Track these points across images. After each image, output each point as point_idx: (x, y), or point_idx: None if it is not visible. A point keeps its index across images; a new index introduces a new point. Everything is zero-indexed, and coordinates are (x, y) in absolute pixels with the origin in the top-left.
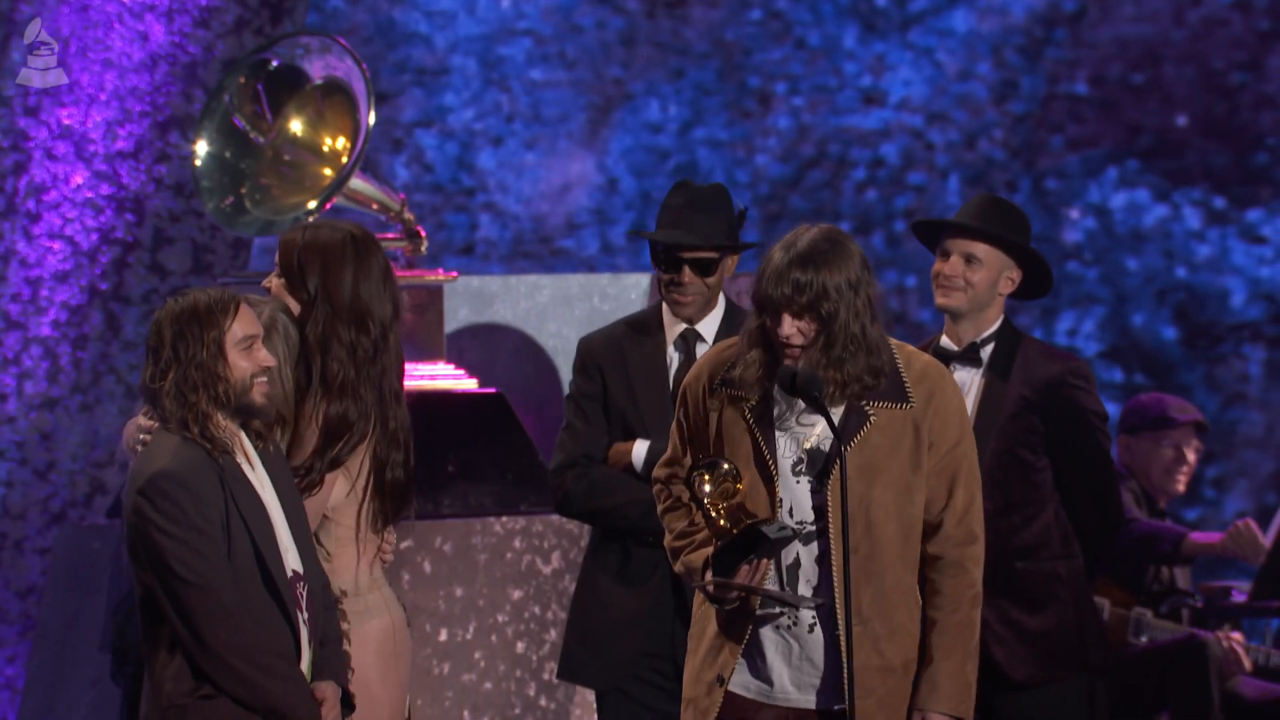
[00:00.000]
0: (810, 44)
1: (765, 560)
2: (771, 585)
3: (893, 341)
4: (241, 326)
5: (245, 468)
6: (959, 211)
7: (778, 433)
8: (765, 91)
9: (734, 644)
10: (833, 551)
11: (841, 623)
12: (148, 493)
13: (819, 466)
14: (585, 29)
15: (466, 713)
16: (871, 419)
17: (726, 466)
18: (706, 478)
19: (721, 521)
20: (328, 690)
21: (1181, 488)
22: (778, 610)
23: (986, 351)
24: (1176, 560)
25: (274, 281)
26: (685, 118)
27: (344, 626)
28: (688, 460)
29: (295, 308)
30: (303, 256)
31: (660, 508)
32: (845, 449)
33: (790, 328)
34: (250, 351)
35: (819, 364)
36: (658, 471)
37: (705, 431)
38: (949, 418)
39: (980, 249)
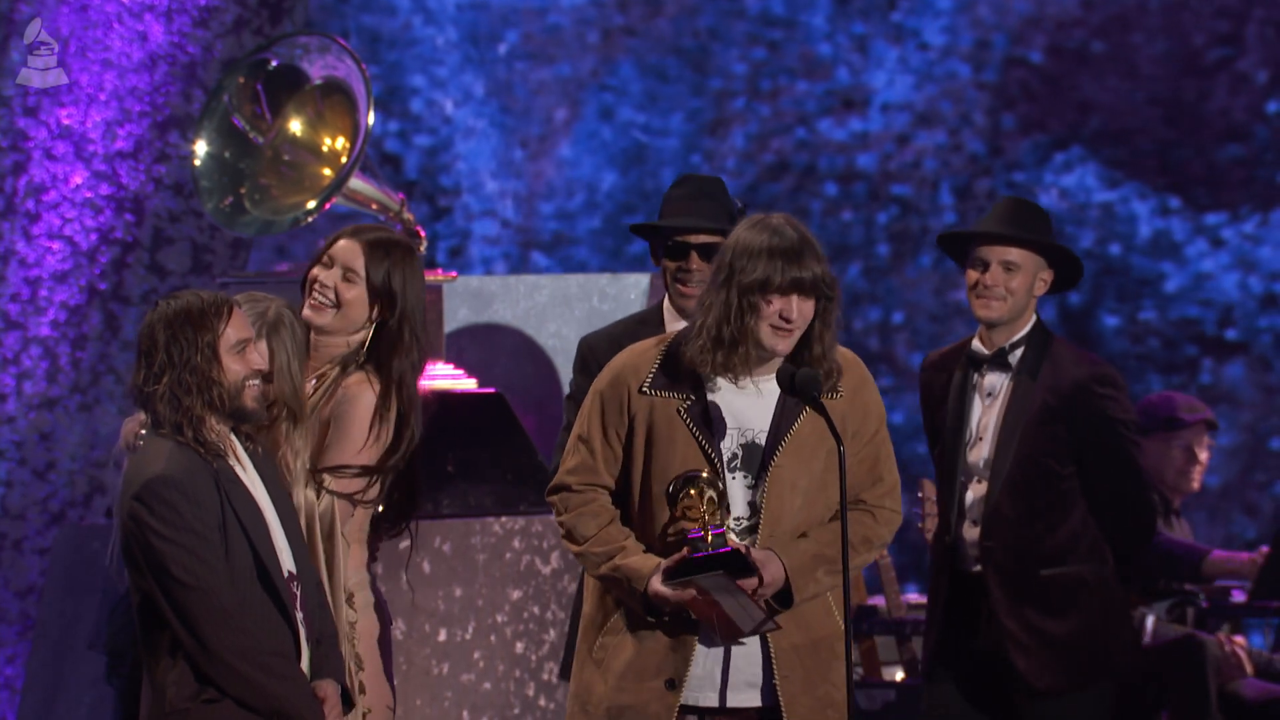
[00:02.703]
0: (778, 16)
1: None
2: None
3: None
4: (235, 330)
5: (238, 470)
6: (984, 219)
7: (716, 433)
8: (741, 85)
9: (684, 650)
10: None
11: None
12: (144, 498)
13: (756, 462)
14: (554, 12)
15: (466, 713)
16: (805, 412)
17: (713, 495)
18: (698, 489)
19: (706, 536)
20: (329, 689)
21: (1195, 486)
22: (744, 640)
23: (1016, 355)
24: (1198, 579)
25: (339, 282)
26: (656, 112)
27: (352, 619)
28: (600, 467)
29: (362, 309)
30: (395, 266)
31: (569, 515)
32: (842, 451)
33: (797, 309)
34: (243, 355)
35: (815, 357)
36: (564, 476)
37: (628, 435)
38: (870, 409)
39: (1016, 254)
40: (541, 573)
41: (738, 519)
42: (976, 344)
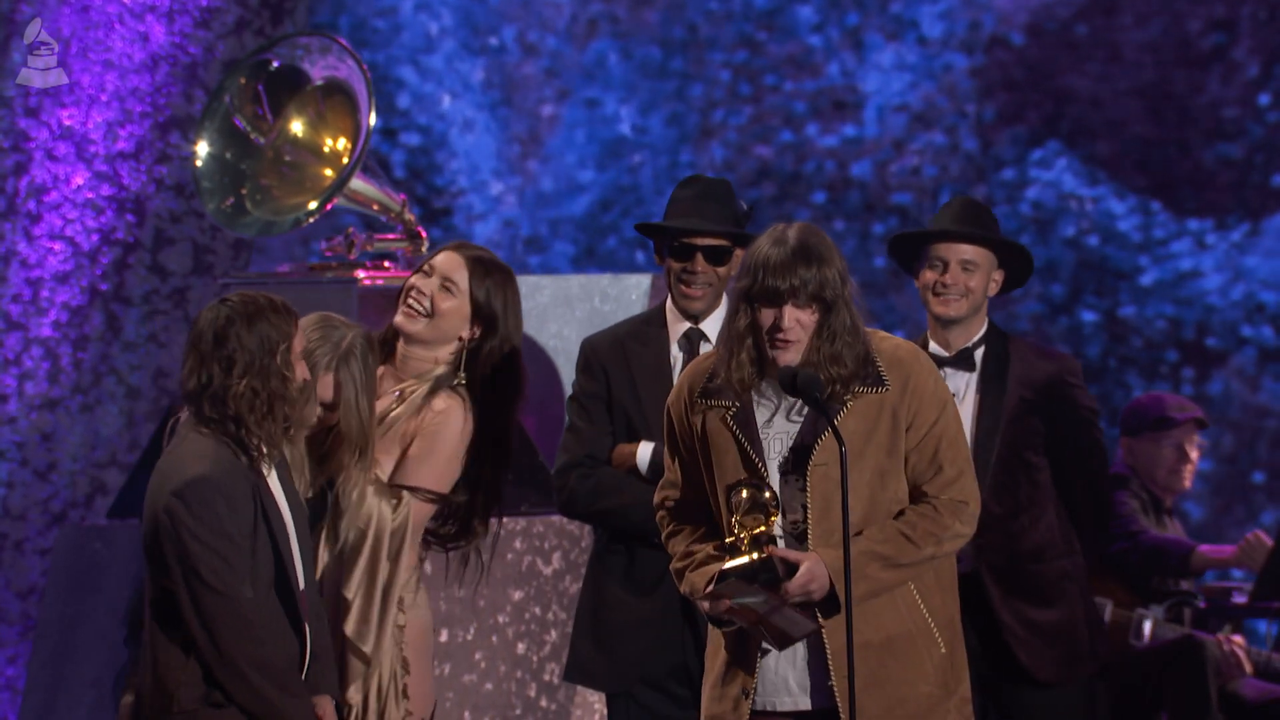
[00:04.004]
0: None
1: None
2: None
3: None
4: (299, 338)
5: (268, 477)
6: (938, 217)
7: (762, 435)
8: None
9: (750, 658)
10: (812, 548)
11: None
12: (184, 495)
13: (802, 465)
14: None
15: (467, 713)
16: (847, 404)
17: (769, 495)
18: (745, 494)
19: (744, 544)
20: (327, 705)
21: (1187, 484)
22: (768, 647)
23: (979, 355)
24: (1186, 574)
25: (436, 292)
26: (639, 107)
27: (401, 623)
28: (681, 480)
29: (455, 323)
30: (497, 288)
31: (664, 533)
32: (843, 451)
33: (791, 319)
34: (303, 362)
35: (823, 359)
36: (658, 495)
37: (693, 446)
38: (925, 398)
39: (973, 253)
40: (543, 573)
41: (794, 522)
42: (934, 347)
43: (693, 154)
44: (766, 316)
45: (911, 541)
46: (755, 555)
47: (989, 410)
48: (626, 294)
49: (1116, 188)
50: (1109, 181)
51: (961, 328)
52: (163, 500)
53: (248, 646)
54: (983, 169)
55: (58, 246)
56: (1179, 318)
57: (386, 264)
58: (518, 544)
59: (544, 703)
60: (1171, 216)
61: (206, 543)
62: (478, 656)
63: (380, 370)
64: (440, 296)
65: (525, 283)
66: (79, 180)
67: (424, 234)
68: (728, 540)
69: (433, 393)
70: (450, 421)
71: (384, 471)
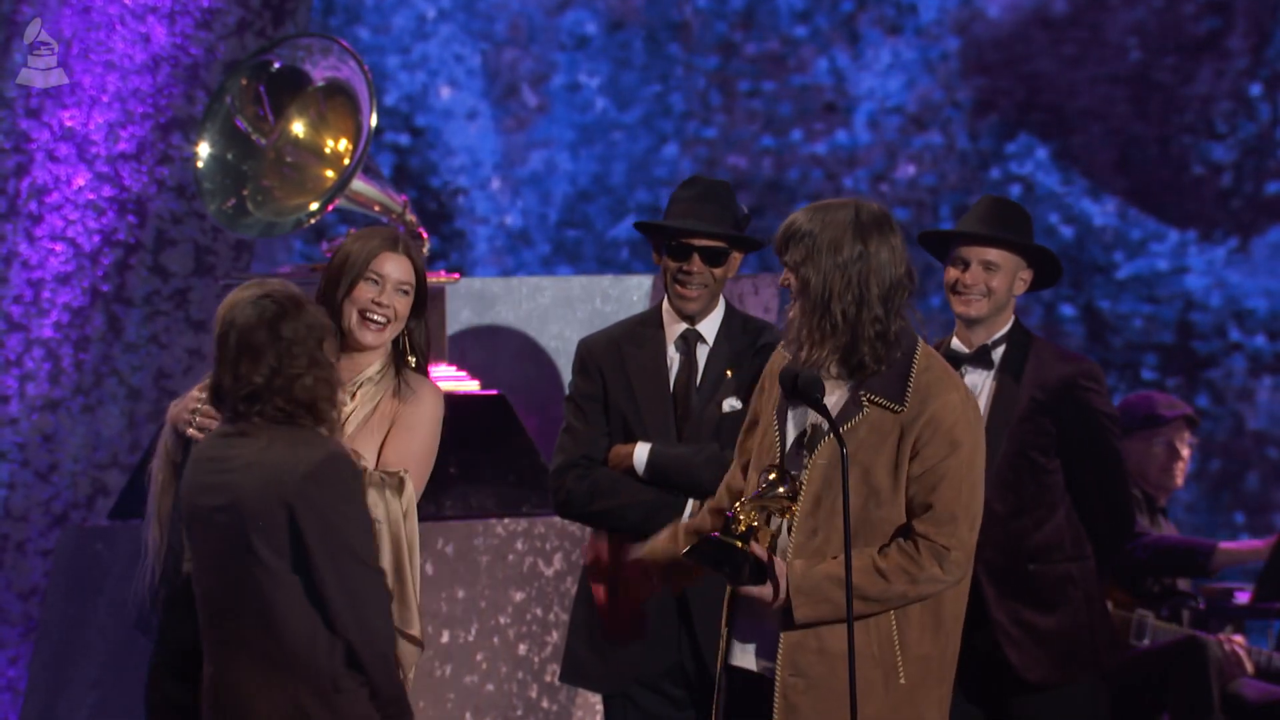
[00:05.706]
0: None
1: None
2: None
3: (924, 347)
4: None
5: None
6: (965, 217)
7: (793, 411)
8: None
9: (732, 607)
10: (791, 531)
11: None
12: (317, 477)
13: (811, 447)
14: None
15: (468, 714)
16: (864, 412)
17: (783, 490)
18: (772, 478)
19: (739, 527)
20: None
21: (1179, 482)
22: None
23: (998, 354)
24: (1207, 573)
25: (396, 300)
26: (622, 103)
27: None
28: (745, 433)
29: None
30: (424, 261)
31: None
32: (845, 452)
33: (785, 276)
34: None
35: (805, 334)
36: (742, 434)
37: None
38: (939, 432)
39: (996, 254)
40: (544, 574)
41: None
42: (956, 343)
43: (676, 152)
44: None
45: (882, 575)
46: (739, 544)
47: (1001, 410)
48: (628, 295)
49: (1091, 186)
50: (1083, 179)
51: (983, 326)
52: (292, 487)
53: (386, 625)
54: (978, 171)
55: (59, 247)
56: (1155, 314)
57: None
58: (519, 545)
59: (545, 704)
60: (1155, 222)
61: (353, 518)
62: (479, 658)
63: None
64: (400, 301)
65: (526, 284)
66: (80, 181)
67: (425, 235)
68: (735, 515)
69: (396, 381)
70: (432, 405)
71: (368, 463)
